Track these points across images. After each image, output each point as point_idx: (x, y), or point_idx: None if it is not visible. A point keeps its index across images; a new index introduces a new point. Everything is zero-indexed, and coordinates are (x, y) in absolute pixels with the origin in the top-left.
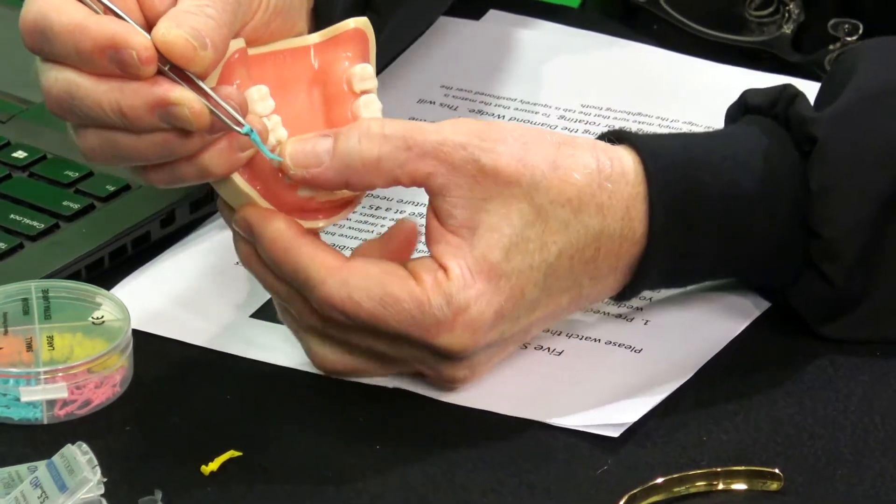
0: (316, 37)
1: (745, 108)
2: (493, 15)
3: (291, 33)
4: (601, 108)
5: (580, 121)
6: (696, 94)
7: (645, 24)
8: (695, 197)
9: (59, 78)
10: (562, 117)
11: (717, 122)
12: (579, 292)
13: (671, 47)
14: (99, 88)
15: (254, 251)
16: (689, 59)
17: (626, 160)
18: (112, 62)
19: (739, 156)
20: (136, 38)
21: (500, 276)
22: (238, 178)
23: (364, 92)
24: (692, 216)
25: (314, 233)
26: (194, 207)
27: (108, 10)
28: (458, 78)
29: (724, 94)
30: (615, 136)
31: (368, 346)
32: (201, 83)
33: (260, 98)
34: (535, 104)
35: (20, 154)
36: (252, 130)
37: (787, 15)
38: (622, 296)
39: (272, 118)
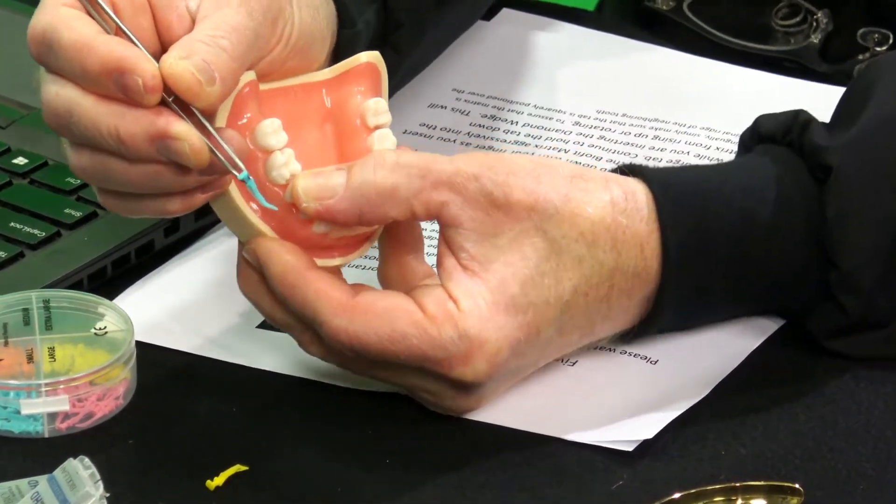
0: (328, 72)
1: (758, 135)
2: (506, 14)
3: (308, 72)
4: (617, 115)
5: (595, 126)
6: (714, 98)
7: (666, 30)
8: (708, 228)
9: (60, 93)
10: (577, 123)
11: (737, 129)
12: (591, 330)
13: (693, 54)
14: (99, 110)
15: (258, 281)
16: (708, 62)
17: (639, 194)
18: (116, 86)
19: (752, 186)
20: (143, 65)
21: (517, 310)
22: (250, 213)
23: (378, 127)
24: (706, 249)
25: (326, 267)
26: (199, 215)
27: (119, 31)
28: (470, 81)
29: (743, 99)
30: (627, 170)
31: (381, 377)
32: (205, 121)
33: (273, 131)
34: (549, 109)
35: (21, 160)
36: (249, 177)
37: (814, 24)
38: (632, 335)
39: (286, 151)
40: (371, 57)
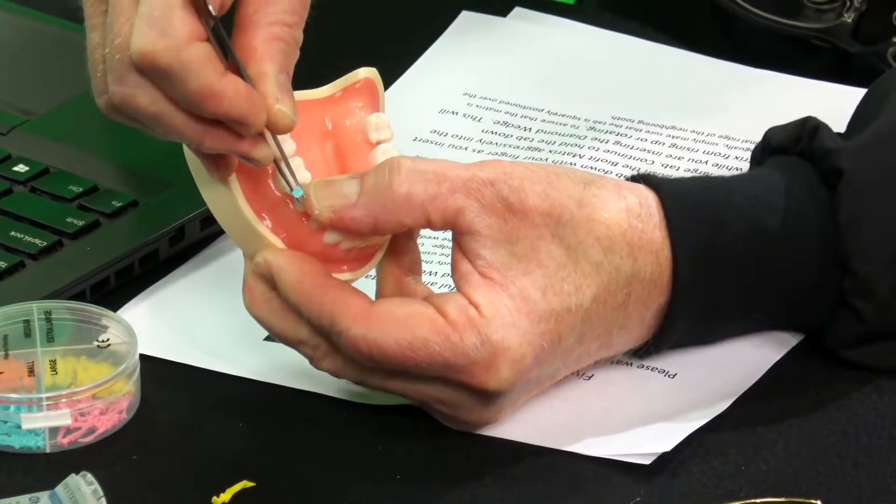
0: (326, 89)
1: (769, 148)
2: (518, 13)
3: None
4: (633, 121)
5: (611, 132)
6: (734, 104)
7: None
8: (718, 239)
9: (155, 103)
10: (591, 129)
11: (756, 137)
12: (609, 340)
13: (722, 36)
14: (191, 126)
15: (266, 297)
16: (727, 65)
17: (651, 201)
18: (227, 122)
19: (763, 194)
20: (258, 118)
21: (540, 317)
22: (260, 226)
23: (380, 142)
24: (717, 259)
25: None
26: (205, 224)
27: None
28: (481, 84)
29: (764, 105)
30: (637, 178)
31: (398, 389)
32: (274, 142)
33: (281, 140)
34: (563, 115)
35: (21, 168)
36: (303, 193)
37: (848, 2)
38: (646, 351)
39: (295, 160)
40: (368, 73)
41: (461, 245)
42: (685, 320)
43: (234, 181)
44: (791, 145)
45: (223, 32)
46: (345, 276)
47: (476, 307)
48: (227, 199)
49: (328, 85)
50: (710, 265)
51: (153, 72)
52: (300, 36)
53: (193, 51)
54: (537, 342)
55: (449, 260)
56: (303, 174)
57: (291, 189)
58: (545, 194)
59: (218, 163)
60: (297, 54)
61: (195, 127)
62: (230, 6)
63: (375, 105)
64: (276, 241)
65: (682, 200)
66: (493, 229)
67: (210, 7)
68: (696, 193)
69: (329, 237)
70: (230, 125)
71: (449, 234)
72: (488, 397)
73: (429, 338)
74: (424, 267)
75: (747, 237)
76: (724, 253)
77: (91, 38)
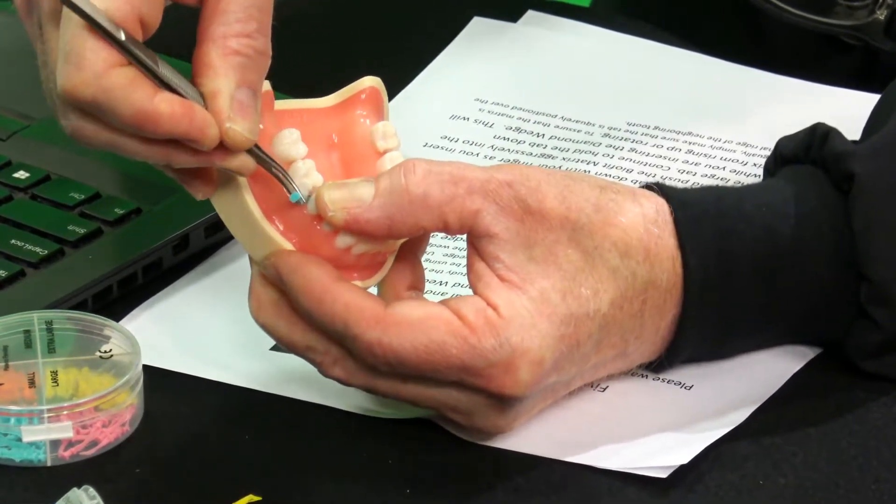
0: (332, 98)
1: (781, 159)
2: (531, 17)
3: None
4: (648, 127)
5: (626, 139)
6: (752, 110)
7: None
8: (729, 248)
9: (101, 135)
10: (606, 135)
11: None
12: (624, 349)
13: (748, 34)
14: (148, 149)
15: (273, 303)
16: (746, 70)
17: (666, 208)
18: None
19: (774, 202)
20: (208, 132)
21: (560, 321)
22: (270, 229)
23: (387, 150)
24: (729, 268)
25: None
26: (209, 232)
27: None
28: (493, 90)
29: (783, 111)
30: (648, 187)
31: (411, 395)
32: (257, 148)
33: (293, 141)
34: (577, 121)
35: (22, 174)
36: (300, 197)
37: None
38: (659, 365)
39: (307, 162)
40: (373, 82)
41: (478, 248)
42: (698, 331)
43: (243, 182)
44: (802, 154)
45: (138, 55)
46: (355, 284)
47: (494, 308)
48: (236, 201)
49: (333, 94)
50: (722, 274)
51: (82, 106)
52: (263, 44)
53: (113, 78)
54: (557, 346)
55: (460, 269)
56: (315, 177)
57: (289, 192)
58: (562, 197)
59: (188, 180)
60: (265, 63)
61: (152, 149)
62: (156, 27)
63: (380, 114)
64: (286, 244)
65: (691, 209)
66: (511, 232)
67: (121, 33)
68: (707, 202)
69: (341, 241)
70: (182, 142)
71: (459, 244)
72: (505, 402)
73: (446, 340)
74: (435, 276)
75: (759, 246)
76: (735, 262)
77: (42, 74)
